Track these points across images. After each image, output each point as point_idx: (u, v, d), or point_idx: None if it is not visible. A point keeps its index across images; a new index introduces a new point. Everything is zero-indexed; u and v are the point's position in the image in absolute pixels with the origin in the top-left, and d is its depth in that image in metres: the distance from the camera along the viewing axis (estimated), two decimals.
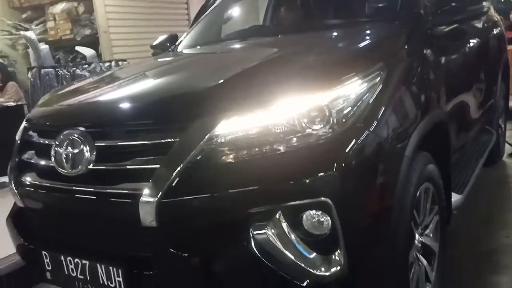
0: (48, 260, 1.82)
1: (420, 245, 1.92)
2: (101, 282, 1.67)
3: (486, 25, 3.47)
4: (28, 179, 1.89)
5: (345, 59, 1.87)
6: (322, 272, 1.47)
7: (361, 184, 1.54)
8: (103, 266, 1.66)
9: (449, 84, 2.30)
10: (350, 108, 1.57)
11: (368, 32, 2.35)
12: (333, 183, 1.45)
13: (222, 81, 1.73)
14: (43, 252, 1.83)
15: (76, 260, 1.73)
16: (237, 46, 2.77)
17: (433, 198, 2.01)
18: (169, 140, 1.55)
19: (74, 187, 1.70)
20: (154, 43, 3.30)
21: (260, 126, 1.52)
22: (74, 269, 1.74)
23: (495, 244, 2.71)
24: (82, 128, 1.72)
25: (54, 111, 2.07)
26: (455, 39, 2.63)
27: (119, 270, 1.62)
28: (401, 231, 1.66)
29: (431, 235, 2.02)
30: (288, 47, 2.31)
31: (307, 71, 1.75)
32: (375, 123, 1.60)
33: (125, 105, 1.82)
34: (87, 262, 1.70)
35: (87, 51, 7.04)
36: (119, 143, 1.67)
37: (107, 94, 2.02)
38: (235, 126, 1.52)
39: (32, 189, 1.87)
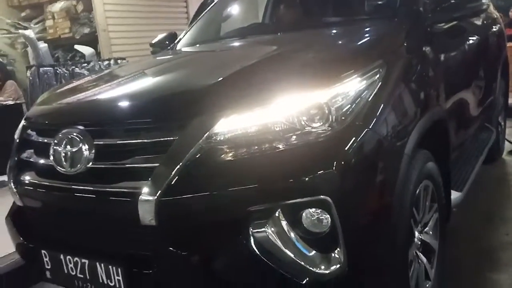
0: (47, 259, 1.82)
1: (419, 242, 1.92)
2: (101, 281, 1.67)
3: (485, 22, 3.46)
4: (27, 178, 1.88)
5: (344, 57, 1.87)
6: (322, 270, 1.47)
7: (361, 182, 1.54)
8: (102, 265, 1.65)
9: (449, 82, 2.29)
10: (349, 105, 1.57)
11: (367, 29, 2.35)
12: (332, 181, 1.45)
13: (221, 79, 1.73)
14: (43, 251, 1.82)
15: (76, 259, 1.73)
16: (236, 44, 2.77)
17: (432, 196, 2.00)
18: (168, 138, 1.54)
19: (73, 186, 1.70)
20: (153, 41, 3.30)
21: (259, 124, 1.52)
22: (73, 268, 1.74)
23: (494, 242, 2.71)
24: (81, 127, 1.72)
25: (53, 109, 2.07)
26: (454, 37, 2.63)
27: (119, 269, 1.62)
28: (401, 229, 1.66)
29: (431, 232, 2.02)
30: (287, 45, 2.30)
31: (306, 69, 1.74)
32: (374, 121, 1.60)
33: (124, 104, 1.82)
34: (87, 261, 1.70)
35: (86, 50, 7.04)
36: (118, 142, 1.66)
37: (106, 93, 2.01)
38: (234, 124, 1.52)
39: (31, 188, 1.87)
